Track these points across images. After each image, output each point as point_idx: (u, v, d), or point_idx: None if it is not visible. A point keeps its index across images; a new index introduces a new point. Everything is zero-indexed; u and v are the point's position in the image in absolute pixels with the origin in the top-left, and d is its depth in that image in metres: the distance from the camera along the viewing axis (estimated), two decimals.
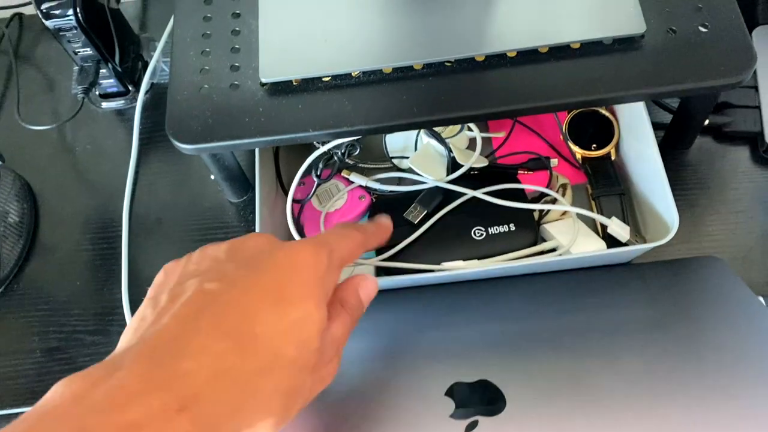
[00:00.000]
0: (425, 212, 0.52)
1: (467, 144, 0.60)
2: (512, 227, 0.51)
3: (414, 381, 0.42)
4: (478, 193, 0.52)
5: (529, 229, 0.52)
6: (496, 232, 0.51)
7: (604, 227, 0.53)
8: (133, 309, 0.57)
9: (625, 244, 0.52)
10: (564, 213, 0.55)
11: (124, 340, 0.31)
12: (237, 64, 0.51)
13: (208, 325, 0.29)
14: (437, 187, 0.54)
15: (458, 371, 0.42)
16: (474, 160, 0.54)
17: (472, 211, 0.52)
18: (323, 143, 0.55)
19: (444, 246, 0.51)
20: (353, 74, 0.49)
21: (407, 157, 0.58)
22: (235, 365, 0.29)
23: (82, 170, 0.65)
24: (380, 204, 0.57)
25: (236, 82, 0.50)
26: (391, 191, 0.57)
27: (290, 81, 0.49)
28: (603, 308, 0.48)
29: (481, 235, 0.51)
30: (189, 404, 0.26)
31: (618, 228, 0.51)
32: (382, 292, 0.50)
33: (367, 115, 0.48)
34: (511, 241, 0.51)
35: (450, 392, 0.41)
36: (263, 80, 0.49)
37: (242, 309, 0.30)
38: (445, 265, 0.50)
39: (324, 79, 0.49)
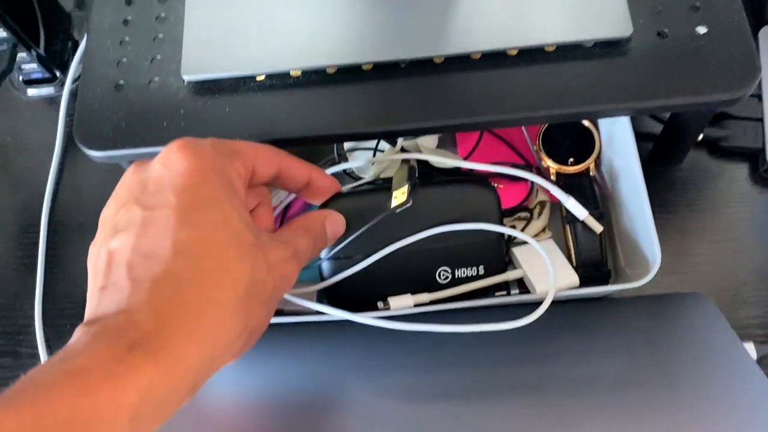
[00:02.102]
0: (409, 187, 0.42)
1: (437, 143, 0.54)
2: (481, 270, 0.43)
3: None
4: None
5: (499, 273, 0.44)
6: (463, 275, 0.43)
7: (577, 253, 0.47)
8: (47, 328, 0.52)
9: (600, 277, 0.46)
10: (539, 233, 0.49)
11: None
12: (159, 57, 0.44)
13: (132, 280, 0.29)
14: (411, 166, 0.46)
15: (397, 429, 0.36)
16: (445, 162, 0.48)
17: (438, 242, 0.42)
18: None
19: (401, 288, 0.43)
20: (292, 74, 0.42)
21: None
22: (177, 295, 0.28)
23: (1, 166, 0.58)
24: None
25: (156, 78, 0.43)
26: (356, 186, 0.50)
27: (217, 79, 0.43)
28: (569, 354, 0.42)
29: (446, 278, 0.43)
30: (139, 343, 0.27)
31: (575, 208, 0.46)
32: (308, 326, 0.44)
33: (306, 123, 0.42)
34: (478, 289, 0.43)
35: None
36: (185, 77, 0.42)
37: (153, 247, 0.29)
38: (393, 304, 0.43)
39: (257, 78, 0.43)
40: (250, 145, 0.36)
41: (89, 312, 0.30)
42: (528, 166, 0.51)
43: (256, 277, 0.31)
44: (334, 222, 0.39)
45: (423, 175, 0.48)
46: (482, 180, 0.45)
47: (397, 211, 0.40)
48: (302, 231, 0.36)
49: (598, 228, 0.46)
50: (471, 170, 0.51)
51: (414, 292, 0.42)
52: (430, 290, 0.43)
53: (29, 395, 0.24)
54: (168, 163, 0.32)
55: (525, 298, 0.44)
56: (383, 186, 0.45)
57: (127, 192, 0.32)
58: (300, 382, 0.41)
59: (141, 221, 0.30)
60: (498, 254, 0.43)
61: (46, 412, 0.24)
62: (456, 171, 0.50)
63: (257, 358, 0.44)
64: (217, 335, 0.29)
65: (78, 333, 0.28)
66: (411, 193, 0.40)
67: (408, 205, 0.39)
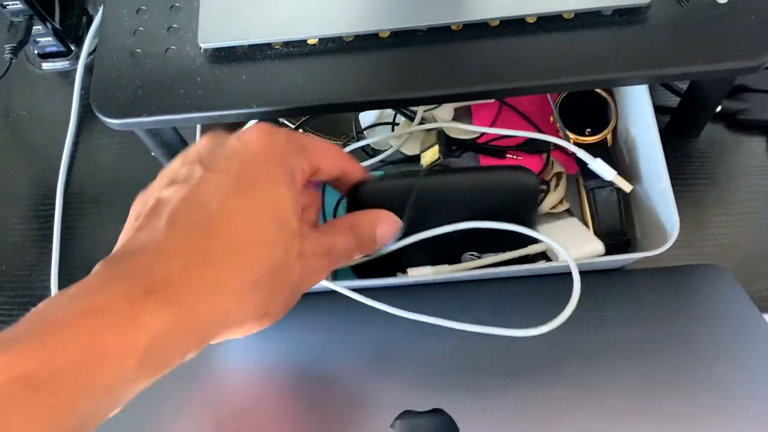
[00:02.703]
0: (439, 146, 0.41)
1: (452, 115, 0.54)
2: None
3: (357, 407, 0.36)
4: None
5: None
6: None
7: (597, 222, 0.47)
8: None
9: (619, 246, 0.46)
10: (556, 205, 0.49)
11: None
12: (175, 26, 0.44)
13: (172, 225, 0.29)
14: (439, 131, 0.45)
15: (408, 397, 0.36)
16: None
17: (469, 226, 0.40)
18: None
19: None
20: (309, 42, 0.42)
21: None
22: (208, 252, 0.29)
23: (16, 139, 0.59)
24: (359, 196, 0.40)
25: (173, 47, 0.43)
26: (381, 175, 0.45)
27: (234, 47, 0.43)
28: (586, 324, 0.41)
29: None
30: (157, 288, 0.27)
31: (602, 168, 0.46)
32: (325, 296, 0.44)
33: (323, 91, 0.42)
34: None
35: (397, 424, 0.35)
36: (202, 45, 0.42)
37: (203, 202, 0.30)
38: (410, 272, 0.42)
39: (274, 46, 0.43)
40: (322, 144, 0.36)
41: (118, 247, 0.30)
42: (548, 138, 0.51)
43: (285, 261, 0.31)
44: (387, 223, 0.37)
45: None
46: (524, 169, 0.42)
47: (432, 168, 0.39)
48: (346, 229, 0.36)
49: (627, 187, 0.46)
50: (492, 144, 0.50)
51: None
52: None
53: (38, 334, 0.24)
54: (243, 138, 0.33)
55: (546, 266, 0.43)
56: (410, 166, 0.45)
57: (196, 153, 0.33)
58: (315, 352, 0.41)
59: (199, 179, 0.31)
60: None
61: (57, 352, 0.24)
62: (474, 144, 0.50)
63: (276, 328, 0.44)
64: (232, 303, 0.29)
65: (98, 268, 0.28)
66: (440, 151, 0.39)
67: (440, 160, 0.39)
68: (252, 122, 0.43)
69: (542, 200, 0.48)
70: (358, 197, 0.38)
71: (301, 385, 0.39)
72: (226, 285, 0.29)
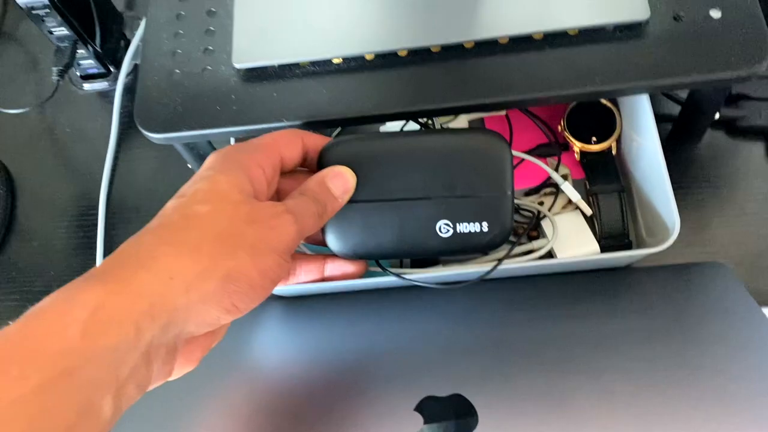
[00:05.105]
0: None
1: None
2: (485, 227, 0.40)
3: (381, 394, 0.39)
4: None
5: (504, 233, 0.41)
6: (465, 231, 0.40)
7: (600, 225, 0.50)
8: None
9: (622, 248, 0.49)
10: (565, 205, 0.52)
11: None
12: (210, 48, 0.48)
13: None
14: None
15: (430, 384, 0.39)
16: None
17: (443, 193, 0.40)
18: None
19: (401, 237, 0.41)
20: (333, 61, 0.46)
21: None
22: (142, 236, 0.32)
23: (61, 154, 0.63)
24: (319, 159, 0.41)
25: (209, 67, 0.47)
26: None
27: (265, 67, 0.46)
28: (593, 317, 0.44)
29: (447, 231, 0.41)
30: (96, 273, 0.30)
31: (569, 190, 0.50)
32: (345, 294, 0.47)
33: (347, 105, 0.45)
34: (480, 245, 0.41)
35: (420, 407, 0.38)
36: (236, 65, 0.46)
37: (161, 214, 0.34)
38: (423, 271, 0.46)
39: (302, 65, 0.46)
40: (273, 135, 0.40)
41: None
42: (556, 144, 0.54)
43: (229, 227, 0.33)
44: (336, 176, 0.39)
45: None
46: (493, 132, 0.43)
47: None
48: (296, 193, 0.38)
49: (588, 210, 0.50)
50: None
51: (414, 242, 0.41)
52: (430, 242, 0.41)
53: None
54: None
55: (545, 263, 0.46)
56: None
57: None
58: (343, 344, 0.44)
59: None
60: (504, 211, 0.40)
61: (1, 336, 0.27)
62: None
63: (299, 323, 0.47)
64: (174, 266, 0.31)
65: None
66: None
67: None
68: None
69: (553, 203, 0.51)
70: (319, 160, 0.41)
71: (331, 373, 0.42)
72: (161, 254, 0.31)
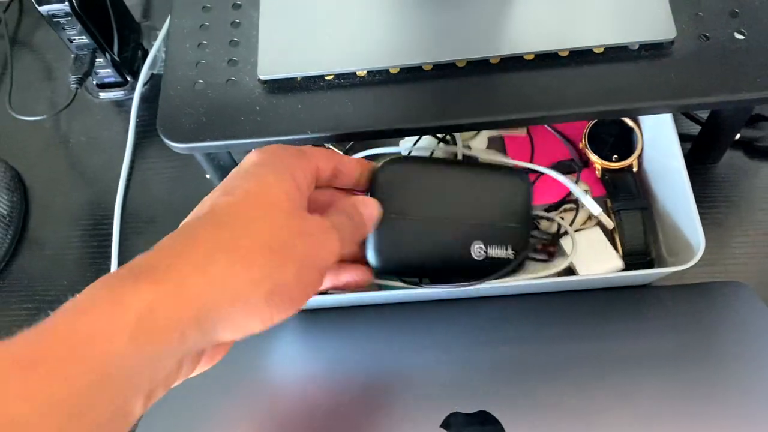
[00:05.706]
0: None
1: (486, 144, 0.57)
2: (509, 253, 0.44)
3: (407, 410, 0.39)
4: None
5: (523, 257, 0.45)
6: (495, 255, 0.44)
7: (623, 242, 0.50)
8: None
9: (643, 266, 0.48)
10: (586, 221, 0.52)
11: None
12: (235, 59, 0.48)
13: (176, 232, 0.33)
14: None
15: (455, 400, 0.39)
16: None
17: (475, 219, 0.45)
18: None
19: (440, 256, 0.44)
20: (358, 74, 0.46)
21: None
22: (195, 238, 0.31)
23: (76, 163, 0.62)
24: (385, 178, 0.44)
25: (233, 78, 0.47)
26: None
27: (290, 79, 0.46)
28: (617, 335, 0.44)
29: (481, 255, 0.44)
30: (146, 272, 0.29)
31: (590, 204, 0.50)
32: (367, 307, 0.47)
33: (371, 118, 0.45)
34: (505, 267, 0.44)
35: (446, 423, 0.38)
36: (261, 77, 0.46)
37: (201, 206, 0.35)
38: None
39: (326, 77, 0.46)
40: (316, 148, 0.40)
41: None
42: (577, 160, 0.54)
43: (282, 238, 0.33)
44: (368, 205, 0.40)
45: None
46: (519, 172, 0.48)
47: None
48: (336, 211, 0.38)
49: (609, 224, 0.50)
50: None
51: (451, 261, 0.44)
52: (465, 263, 0.44)
53: (35, 332, 0.27)
54: (248, 156, 0.38)
55: (569, 279, 0.46)
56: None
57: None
58: (370, 359, 0.44)
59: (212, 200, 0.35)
60: (524, 240, 0.45)
61: (47, 331, 0.26)
62: None
63: (319, 336, 0.47)
64: (226, 274, 0.31)
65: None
66: None
67: None
68: None
69: (574, 218, 0.51)
70: (372, 180, 0.43)
71: (353, 388, 0.41)
72: (213, 260, 0.31)
